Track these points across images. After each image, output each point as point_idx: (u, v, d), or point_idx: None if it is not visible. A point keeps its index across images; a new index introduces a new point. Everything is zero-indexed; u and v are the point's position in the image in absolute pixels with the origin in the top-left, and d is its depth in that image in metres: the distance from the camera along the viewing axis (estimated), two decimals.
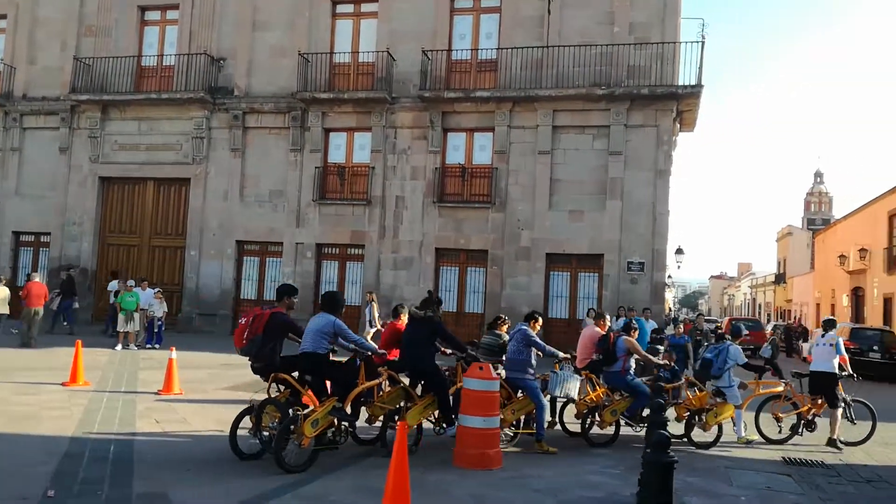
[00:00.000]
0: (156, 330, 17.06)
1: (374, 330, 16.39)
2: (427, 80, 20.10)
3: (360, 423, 7.44)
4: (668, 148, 19.08)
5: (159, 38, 22.99)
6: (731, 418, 9.18)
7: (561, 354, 8.78)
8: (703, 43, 18.35)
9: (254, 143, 21.83)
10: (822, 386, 9.46)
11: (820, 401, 9.52)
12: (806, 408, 9.57)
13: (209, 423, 8.58)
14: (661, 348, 12.03)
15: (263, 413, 6.65)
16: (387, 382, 7.67)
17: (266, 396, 6.86)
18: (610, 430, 8.67)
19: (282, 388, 7.02)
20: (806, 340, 29.74)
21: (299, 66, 20.88)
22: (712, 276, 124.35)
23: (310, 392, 6.90)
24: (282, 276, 21.12)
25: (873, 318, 30.32)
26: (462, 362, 8.17)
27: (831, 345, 9.57)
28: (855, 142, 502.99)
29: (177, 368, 10.63)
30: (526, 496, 6.08)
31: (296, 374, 7.01)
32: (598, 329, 9.59)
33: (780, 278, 59.86)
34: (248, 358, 6.92)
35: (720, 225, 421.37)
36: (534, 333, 8.39)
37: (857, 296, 34.01)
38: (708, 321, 24.62)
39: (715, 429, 8.88)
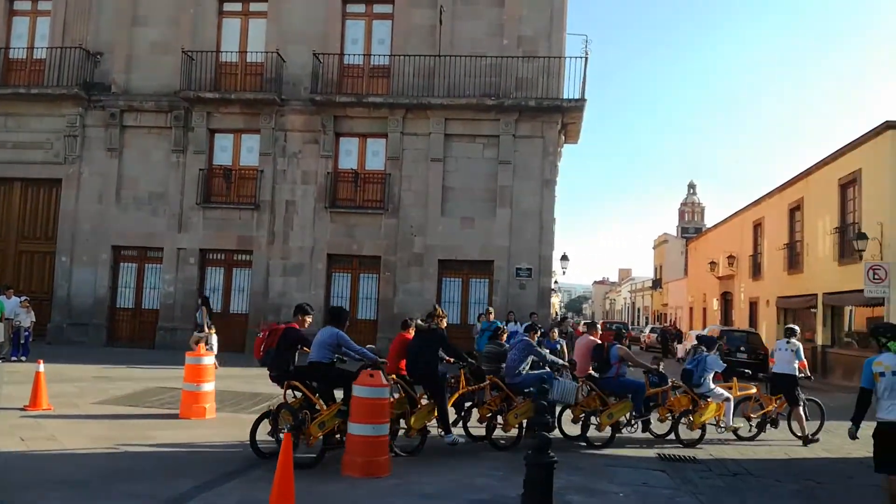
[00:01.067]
0: (22, 341, 15.85)
1: (203, 335, 15.77)
2: (319, 84, 19.84)
3: None
4: (554, 159, 19.79)
5: (30, 30, 21.47)
6: (715, 417, 9.99)
7: (560, 362, 9.44)
8: (586, 59, 19.17)
9: (132, 142, 20.74)
10: (784, 387, 10.44)
11: (780, 400, 10.55)
12: (771, 407, 10.57)
13: (80, 440, 8.04)
14: (547, 352, 12.42)
15: (279, 416, 7.28)
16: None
17: (282, 401, 7.52)
18: (607, 432, 9.21)
19: (297, 394, 7.53)
20: (680, 342, 31.60)
21: (183, 63, 20.05)
22: (595, 282, 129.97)
23: (317, 397, 7.50)
24: (162, 284, 20.17)
25: (740, 320, 32.66)
26: (464, 370, 8.77)
27: (793, 350, 10.58)
28: (726, 155, 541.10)
29: (45, 382, 9.88)
30: (412, 503, 6.08)
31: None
32: (592, 338, 10.24)
33: (656, 283, 63.39)
34: (266, 367, 7.78)
35: (603, 232, 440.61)
36: (535, 344, 9.11)
37: (726, 300, 36.54)
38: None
39: (699, 430, 9.75)
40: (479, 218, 19.60)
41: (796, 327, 11.68)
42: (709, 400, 9.91)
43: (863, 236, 19.28)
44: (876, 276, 18.33)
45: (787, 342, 10.82)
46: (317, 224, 20.04)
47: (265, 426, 7.34)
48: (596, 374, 9.67)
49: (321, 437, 7.27)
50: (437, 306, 9.62)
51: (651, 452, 9.04)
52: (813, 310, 23.98)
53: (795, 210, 26.41)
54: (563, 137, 21.49)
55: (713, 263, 37.52)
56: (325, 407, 7.45)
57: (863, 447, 10.28)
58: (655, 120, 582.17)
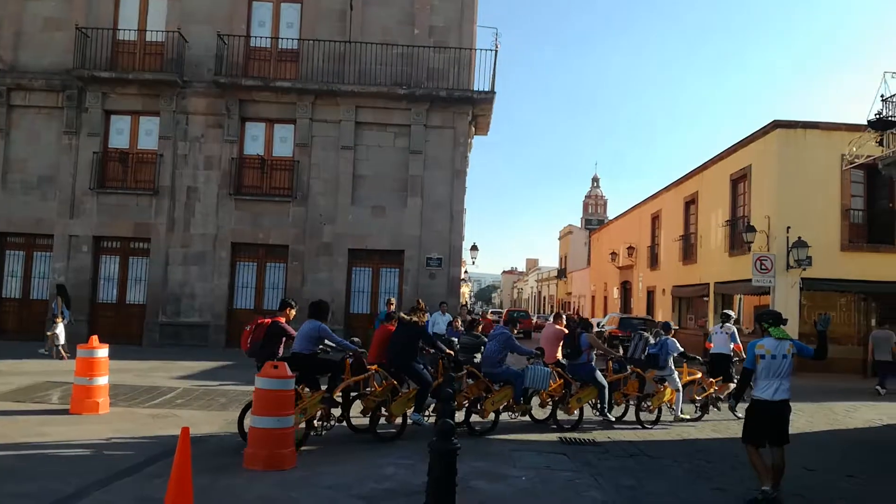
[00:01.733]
0: None
1: (60, 324, 15.38)
2: (223, 66, 19.16)
3: (355, 413, 8.79)
4: (465, 149, 19.95)
5: None
6: (668, 402, 10.88)
7: (533, 351, 10.02)
8: (496, 52, 19.39)
9: (21, 123, 19.39)
10: (720, 365, 11.75)
11: (720, 383, 11.67)
12: (711, 390, 11.62)
13: None
14: (456, 340, 12.56)
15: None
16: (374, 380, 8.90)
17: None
18: (576, 415, 9.93)
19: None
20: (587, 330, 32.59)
21: (77, 40, 18.89)
22: (504, 272, 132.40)
23: (301, 387, 7.86)
24: (51, 272, 19.01)
25: (638, 307, 34.09)
26: (442, 360, 9.26)
27: (727, 333, 12.01)
28: (628, 149, 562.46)
29: None
30: (318, 494, 6.02)
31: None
32: (559, 327, 10.94)
33: (561, 273, 65.24)
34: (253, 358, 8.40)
35: (512, 223, 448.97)
36: (513, 337, 9.68)
37: (626, 288, 38.04)
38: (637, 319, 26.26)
39: (657, 410, 10.61)
40: (389, 207, 19.52)
41: (731, 313, 12.93)
42: (666, 385, 10.78)
43: (751, 229, 20.48)
44: (763, 267, 19.54)
45: (722, 327, 12.19)
46: (220, 211, 19.40)
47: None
48: (564, 361, 10.39)
49: (304, 422, 7.77)
50: (419, 301, 10.08)
51: (554, 437, 9.30)
52: (705, 298, 25.32)
53: (690, 203, 27.77)
54: (474, 129, 21.70)
55: (614, 254, 38.97)
56: (307, 395, 7.93)
57: (738, 426, 11.01)
58: (562, 114, 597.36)
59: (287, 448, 6.86)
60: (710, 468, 8.07)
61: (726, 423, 11.18)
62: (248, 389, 8.55)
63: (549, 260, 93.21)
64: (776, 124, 20.53)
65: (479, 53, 19.78)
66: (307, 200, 19.47)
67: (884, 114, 12.42)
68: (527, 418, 10.10)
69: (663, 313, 29.74)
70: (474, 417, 9.35)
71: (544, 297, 78.33)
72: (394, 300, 15.29)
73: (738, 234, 21.95)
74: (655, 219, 32.84)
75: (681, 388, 10.92)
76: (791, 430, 10.77)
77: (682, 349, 11.04)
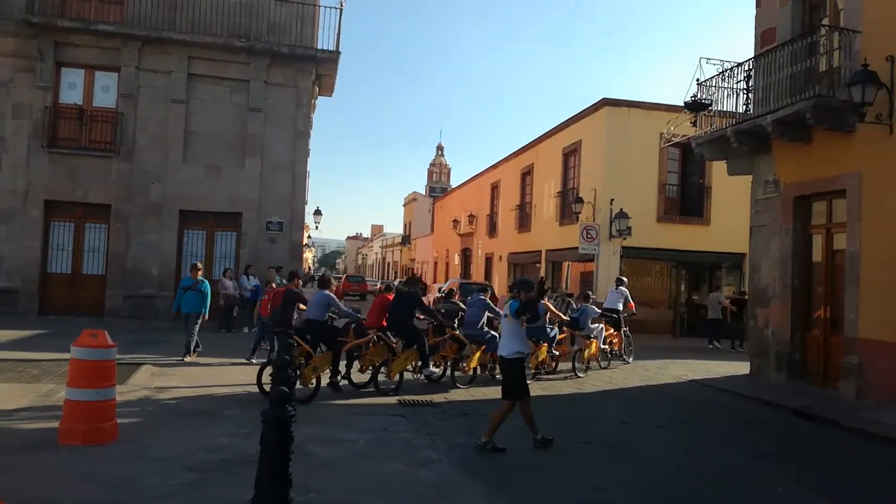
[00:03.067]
0: None
1: None
2: (35, 3, 17.12)
3: (355, 371, 10.10)
4: (308, 110, 19.37)
5: None
6: (595, 354, 13.33)
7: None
8: (341, 10, 18.90)
9: None
10: (612, 318, 14.45)
11: (615, 333, 14.41)
12: (617, 343, 14.49)
13: None
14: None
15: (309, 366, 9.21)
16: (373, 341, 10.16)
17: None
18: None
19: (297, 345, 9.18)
20: (425, 294, 33.31)
21: None
22: (349, 237, 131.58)
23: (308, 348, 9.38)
24: None
25: (477, 274, 35.28)
26: (432, 326, 11.06)
27: (621, 294, 15.13)
28: (470, 117, 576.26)
29: None
30: (143, 467, 5.68)
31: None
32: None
33: (406, 239, 65.93)
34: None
35: (358, 188, 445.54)
36: (489, 302, 11.13)
37: (466, 255, 39.19)
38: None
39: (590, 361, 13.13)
40: (226, 167, 18.58)
41: (624, 279, 16.29)
42: (593, 338, 13.20)
43: (580, 200, 21.78)
44: (588, 236, 20.87)
45: (616, 289, 15.39)
46: (32, 165, 17.49)
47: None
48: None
49: (314, 378, 9.14)
50: (415, 273, 12.58)
51: (394, 400, 9.44)
52: (537, 264, 26.71)
53: (527, 175, 29.00)
54: (318, 89, 21.11)
55: (456, 221, 39.95)
56: (313, 355, 9.43)
57: (571, 385, 11.82)
58: (409, 80, 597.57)
59: (108, 421, 6.40)
60: (539, 422, 8.56)
61: (551, 383, 11.92)
62: (63, 359, 7.87)
63: (395, 226, 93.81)
64: (605, 102, 21.84)
65: (324, 11, 19.19)
66: (133, 156, 18.05)
67: (698, 97, 13.56)
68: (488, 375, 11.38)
69: (500, 279, 31.01)
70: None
71: (389, 263, 78.84)
72: (200, 265, 12.86)
73: (569, 204, 23.27)
74: (495, 188, 33.97)
75: (601, 343, 13.52)
76: (609, 387, 11.81)
77: (599, 312, 13.69)
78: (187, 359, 11.83)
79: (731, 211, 20.19)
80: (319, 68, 19.46)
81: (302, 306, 10.04)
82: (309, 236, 54.20)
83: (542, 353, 12.01)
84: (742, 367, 13.88)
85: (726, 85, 13.36)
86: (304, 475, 5.52)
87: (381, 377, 9.95)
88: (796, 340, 12.22)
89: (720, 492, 6.15)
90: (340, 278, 36.81)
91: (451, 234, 41.48)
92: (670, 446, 7.74)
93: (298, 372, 8.77)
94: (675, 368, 14.41)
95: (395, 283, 39.41)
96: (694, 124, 14.24)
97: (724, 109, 13.47)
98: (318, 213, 28.02)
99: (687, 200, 22.26)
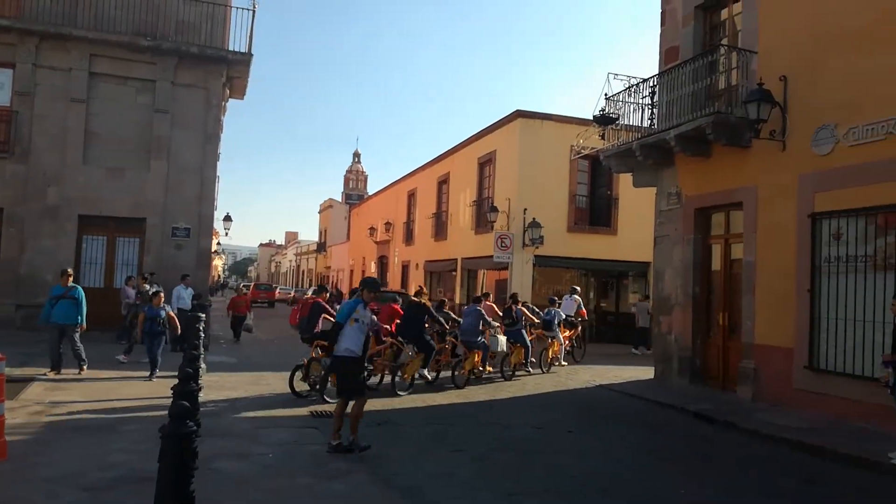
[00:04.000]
0: None
1: None
2: None
3: None
4: (218, 112, 18.77)
5: None
6: (557, 353, 15.52)
7: (496, 324, 13.65)
8: (253, 11, 18.44)
9: None
10: (567, 321, 16.22)
11: (568, 334, 16.23)
12: (568, 343, 16.31)
13: None
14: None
15: (309, 367, 10.26)
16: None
17: (311, 357, 10.42)
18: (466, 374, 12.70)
19: (320, 350, 10.27)
20: (340, 302, 32.90)
21: None
22: (261, 244, 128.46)
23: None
24: None
25: (394, 281, 35.18)
26: (436, 333, 12.40)
27: (575, 301, 17.08)
28: (388, 125, 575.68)
29: None
30: (33, 488, 5.31)
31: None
32: (491, 304, 14.80)
33: (321, 247, 64.99)
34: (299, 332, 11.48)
35: (271, 195, 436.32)
36: (484, 313, 13.03)
37: (383, 263, 39.02)
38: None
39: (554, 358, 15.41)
40: (130, 170, 17.74)
41: (577, 287, 18.54)
42: (554, 340, 15.29)
43: (494, 209, 22.10)
44: (503, 244, 21.21)
45: (570, 296, 17.37)
46: None
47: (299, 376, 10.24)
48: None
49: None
50: (421, 286, 14.31)
51: (305, 411, 9.24)
52: (453, 272, 26.89)
53: (443, 183, 29.19)
54: (229, 91, 20.52)
55: (373, 229, 39.71)
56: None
57: (486, 392, 11.93)
58: (325, 87, 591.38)
59: None
60: (451, 429, 8.59)
61: (468, 391, 12.00)
62: None
63: (310, 234, 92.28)
64: (518, 114, 22.28)
65: (236, 12, 18.70)
66: (28, 157, 16.98)
67: (606, 111, 14.03)
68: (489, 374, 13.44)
69: (415, 286, 30.99)
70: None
71: (303, 271, 77.44)
72: (70, 271, 11.83)
73: (484, 213, 23.56)
74: (412, 196, 34.01)
75: (563, 343, 15.71)
76: (521, 393, 12.00)
77: (564, 316, 15.89)
78: (83, 373, 11.23)
79: (637, 221, 20.97)
80: (230, 70, 18.90)
81: (328, 317, 10.96)
82: (219, 243, 52.56)
83: (556, 346, 15.27)
84: (646, 372, 14.40)
85: (632, 100, 13.90)
86: (211, 491, 5.31)
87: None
88: (697, 346, 12.78)
89: (627, 494, 6.32)
90: (249, 286, 35.85)
91: (367, 242, 41.20)
92: (580, 451, 7.90)
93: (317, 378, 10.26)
94: (584, 374, 14.79)
95: (310, 290, 38.76)
96: (602, 137, 14.72)
97: (631, 124, 13.99)
98: (227, 218, 27.21)
99: (596, 211, 22.96)
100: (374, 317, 8.51)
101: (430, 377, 12.08)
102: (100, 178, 17.45)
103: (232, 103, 22.46)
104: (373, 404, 10.04)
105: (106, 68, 17.57)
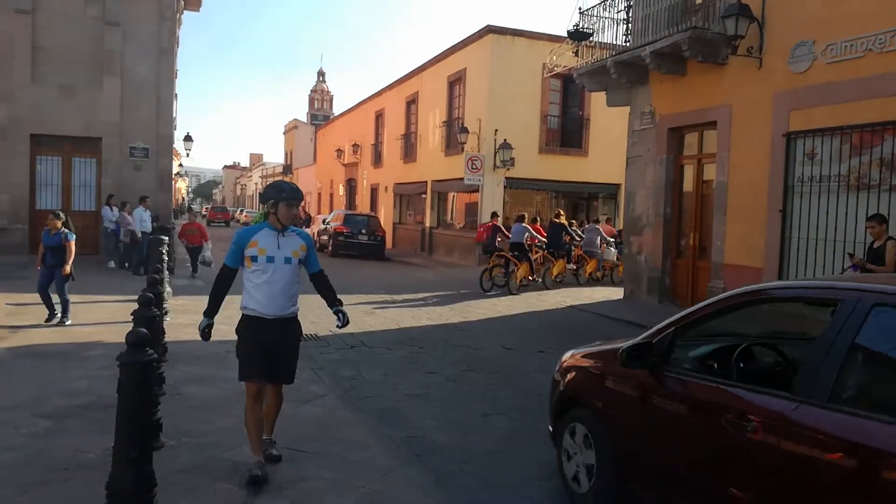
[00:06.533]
0: None
1: None
2: None
3: None
4: (172, 25, 17.79)
5: None
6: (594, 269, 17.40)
7: (611, 240, 17.54)
8: None
9: None
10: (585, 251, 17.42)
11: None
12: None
13: None
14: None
15: (493, 270, 14.95)
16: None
17: (492, 263, 15.03)
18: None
19: (500, 259, 15.15)
20: (309, 226, 32.55)
21: None
22: (226, 166, 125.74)
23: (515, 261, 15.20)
24: None
25: (363, 205, 34.79)
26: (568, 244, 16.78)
27: (595, 230, 17.40)
28: (354, 40, 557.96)
29: None
30: None
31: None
32: (527, 225, 15.83)
33: (287, 169, 63.76)
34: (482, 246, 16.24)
35: (234, 114, 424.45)
36: (530, 228, 15.55)
37: (351, 186, 38.46)
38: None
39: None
40: (81, 87, 16.86)
41: (600, 217, 20.35)
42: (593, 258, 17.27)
43: (465, 130, 21.67)
44: (473, 167, 20.90)
45: (595, 227, 17.72)
46: None
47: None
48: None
49: (518, 281, 15.10)
50: (560, 211, 17.93)
51: None
52: (423, 195, 26.59)
53: (412, 103, 28.46)
54: (183, 2, 19.42)
55: (340, 151, 38.89)
56: (518, 265, 15.19)
57: (457, 314, 11.92)
58: (287, 1, 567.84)
59: None
60: (423, 353, 8.56)
61: (439, 311, 11.98)
62: None
63: (275, 155, 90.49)
64: (489, 29, 21.56)
65: None
66: None
67: (580, 26, 13.58)
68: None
69: (385, 210, 30.69)
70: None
71: None
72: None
73: (454, 134, 23.11)
74: (379, 117, 33.19)
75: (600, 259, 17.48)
76: (492, 314, 12.02)
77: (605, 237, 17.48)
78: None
79: (608, 143, 20.77)
80: None
81: (502, 237, 15.65)
82: (181, 165, 51.23)
83: (559, 266, 16.57)
84: (617, 293, 14.53)
85: (607, 15, 13.45)
86: (178, 417, 5.19)
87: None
88: (667, 266, 12.87)
89: None
90: (208, 209, 35.21)
91: (334, 164, 40.43)
92: (551, 370, 7.92)
93: (510, 273, 15.08)
94: (555, 296, 14.88)
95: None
96: (576, 54, 14.30)
97: (605, 41, 13.60)
98: (188, 139, 26.22)
99: (567, 132, 22.67)
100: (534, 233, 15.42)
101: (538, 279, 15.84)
102: (51, 97, 16.59)
103: (187, 15, 21.31)
104: (346, 329, 9.96)
105: None
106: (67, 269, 8.93)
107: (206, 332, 4.39)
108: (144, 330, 3.24)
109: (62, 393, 5.83)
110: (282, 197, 4.28)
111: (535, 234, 15.65)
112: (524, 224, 15.62)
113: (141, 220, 15.26)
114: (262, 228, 4.31)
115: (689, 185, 12.71)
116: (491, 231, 15.76)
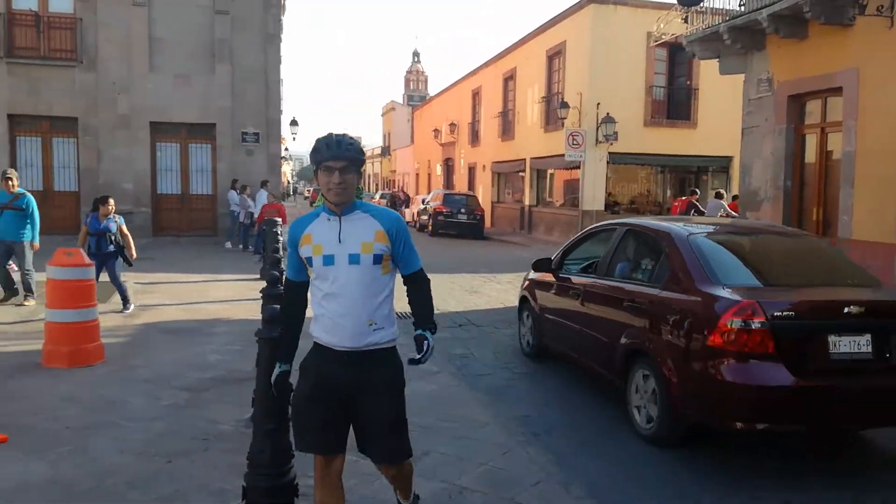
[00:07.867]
0: None
1: None
2: None
3: None
4: (278, 11, 18.32)
5: None
6: None
7: (735, 214, 14.22)
8: None
9: None
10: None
11: None
12: None
13: None
14: None
15: None
16: None
17: None
18: None
19: None
20: (408, 206, 33.02)
21: None
22: None
23: None
24: None
25: (461, 184, 34.86)
26: None
27: (720, 206, 15.03)
28: (449, 22, 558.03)
29: None
30: (132, 389, 5.48)
31: None
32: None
33: (385, 151, 64.77)
34: None
35: (333, 98, 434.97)
36: (725, 206, 14.58)
37: (448, 165, 38.60)
38: None
39: None
40: (195, 75, 17.67)
41: (723, 191, 16.69)
42: None
43: (565, 105, 21.21)
44: (574, 142, 20.45)
45: (718, 202, 15.46)
46: None
47: None
48: None
49: None
50: (695, 189, 17.88)
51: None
52: (521, 173, 26.34)
53: (509, 80, 28.14)
54: None
55: (437, 131, 39.08)
56: None
57: None
58: None
59: (92, 342, 6.17)
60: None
61: None
62: (40, 280, 7.55)
63: (373, 137, 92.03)
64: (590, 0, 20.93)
65: None
66: (96, 66, 17.08)
67: None
68: None
69: (483, 189, 30.65)
70: None
71: (369, 175, 77.81)
72: (14, 171, 9.08)
73: (553, 110, 22.68)
74: (476, 95, 33.05)
75: None
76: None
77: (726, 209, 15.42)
78: (28, 302, 8.68)
79: (718, 113, 19.78)
80: None
81: (700, 212, 14.76)
82: (286, 148, 53.02)
83: None
84: None
85: None
86: None
87: None
88: None
89: None
90: (310, 191, 36.30)
91: (432, 144, 40.69)
92: None
93: None
94: None
95: (377, 195, 38.79)
96: (685, 21, 13.64)
97: (717, 6, 12.91)
98: (294, 123, 27.16)
99: (674, 103, 21.79)
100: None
101: None
102: (167, 85, 17.48)
103: (292, 2, 21.86)
104: (447, 305, 10.05)
105: None
106: (134, 253, 8.61)
107: (277, 383, 3.03)
108: (277, 306, 3.35)
109: (196, 367, 6.16)
110: (319, 159, 2.80)
111: (730, 211, 14.61)
112: (721, 201, 15.17)
113: (263, 203, 15.95)
114: (319, 214, 2.87)
115: (811, 155, 11.91)
116: (686, 207, 15.47)
